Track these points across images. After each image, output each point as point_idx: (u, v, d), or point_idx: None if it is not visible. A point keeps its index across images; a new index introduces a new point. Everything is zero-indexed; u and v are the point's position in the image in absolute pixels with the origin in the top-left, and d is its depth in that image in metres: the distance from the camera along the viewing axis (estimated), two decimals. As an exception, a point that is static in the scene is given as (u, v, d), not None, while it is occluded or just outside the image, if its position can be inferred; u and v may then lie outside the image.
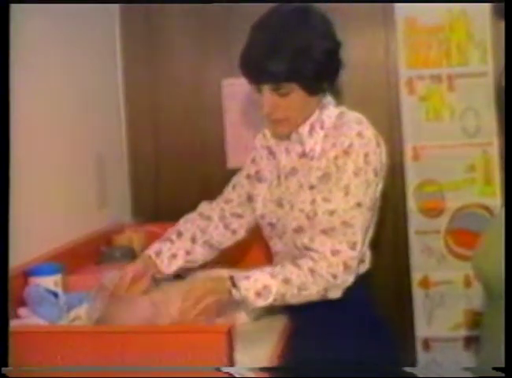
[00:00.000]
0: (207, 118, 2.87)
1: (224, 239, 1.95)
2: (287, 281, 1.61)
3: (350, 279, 1.64)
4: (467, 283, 2.71)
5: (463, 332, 2.73)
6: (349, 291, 1.65)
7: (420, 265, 2.75)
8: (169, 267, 1.85)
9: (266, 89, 1.67)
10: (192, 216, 1.96)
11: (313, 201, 1.68)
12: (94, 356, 1.32)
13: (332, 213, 1.64)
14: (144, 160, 2.92)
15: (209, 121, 2.87)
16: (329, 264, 1.62)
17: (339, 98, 1.81)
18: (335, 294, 1.64)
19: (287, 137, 1.78)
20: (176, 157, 2.91)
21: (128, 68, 2.88)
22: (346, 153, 1.66)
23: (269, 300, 1.60)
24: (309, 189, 1.70)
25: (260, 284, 1.60)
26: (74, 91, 2.36)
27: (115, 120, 2.84)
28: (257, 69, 1.66)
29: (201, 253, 1.91)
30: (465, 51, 2.68)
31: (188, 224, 1.93)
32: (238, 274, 1.64)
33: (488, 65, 2.67)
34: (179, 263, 1.86)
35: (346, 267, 1.63)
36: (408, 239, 2.75)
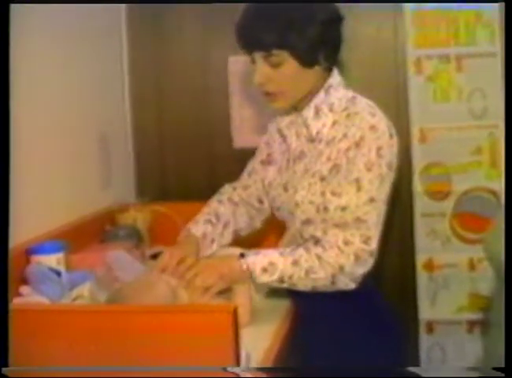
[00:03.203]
0: (213, 97, 2.84)
1: (246, 226, 1.95)
2: (295, 263, 1.62)
3: (359, 271, 1.62)
4: (471, 267, 2.71)
5: (467, 315, 2.73)
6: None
7: (425, 248, 2.74)
8: (207, 251, 1.84)
9: (259, 58, 1.65)
10: (223, 199, 1.94)
11: (323, 194, 1.65)
12: (96, 335, 1.32)
13: (344, 208, 1.62)
14: (149, 139, 2.89)
15: (215, 100, 2.84)
16: (339, 253, 1.60)
17: (343, 77, 1.77)
18: (346, 284, 1.63)
19: (289, 112, 1.76)
20: (182, 137, 2.88)
21: (133, 47, 2.85)
22: (357, 145, 1.62)
23: (275, 277, 1.61)
24: (320, 180, 1.67)
25: (267, 260, 1.62)
26: (78, 70, 2.34)
27: (119, 99, 2.82)
28: (248, 36, 1.65)
29: (227, 240, 1.91)
30: (474, 31, 2.65)
31: (222, 207, 1.92)
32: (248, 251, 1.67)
33: (496, 46, 2.63)
34: (214, 248, 1.86)
35: (358, 258, 1.61)
36: (413, 222, 2.74)
